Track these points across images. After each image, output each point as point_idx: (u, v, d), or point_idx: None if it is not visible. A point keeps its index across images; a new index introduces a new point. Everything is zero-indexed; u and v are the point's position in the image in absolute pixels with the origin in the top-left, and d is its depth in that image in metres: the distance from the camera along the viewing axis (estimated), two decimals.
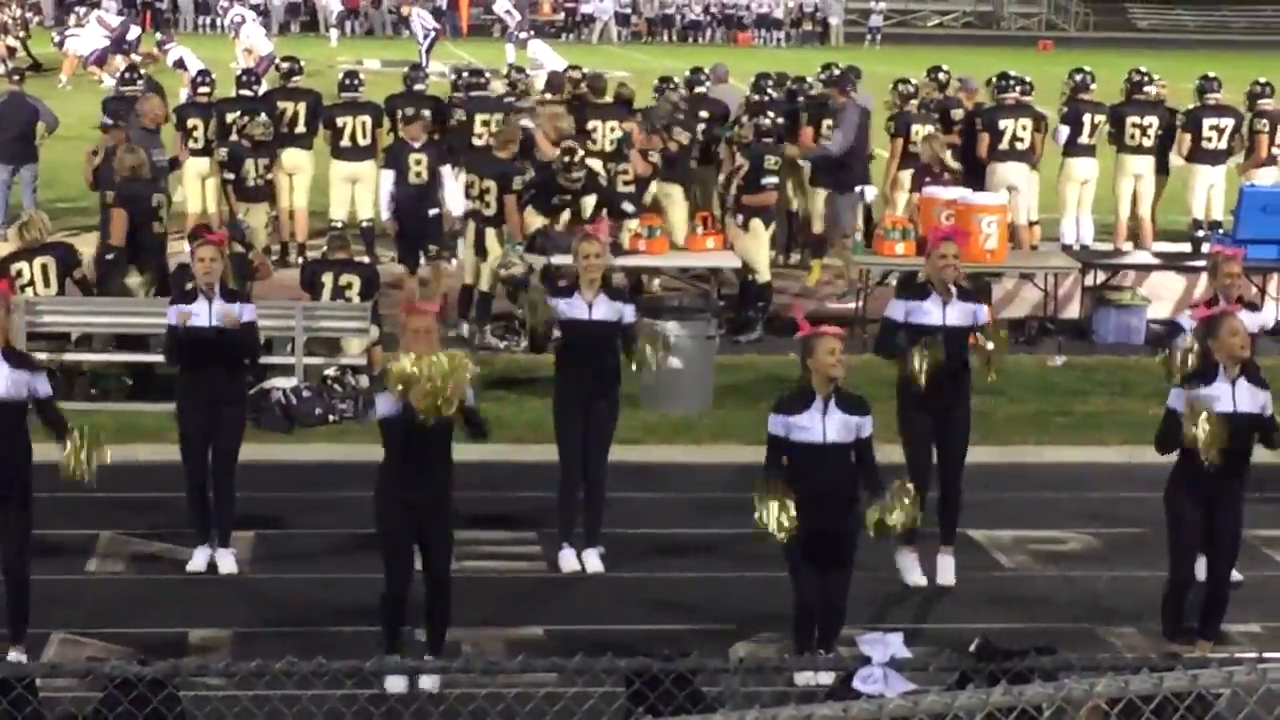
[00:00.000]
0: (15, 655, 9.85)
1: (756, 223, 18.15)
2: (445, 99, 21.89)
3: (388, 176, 18.24)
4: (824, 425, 9.70)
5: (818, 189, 19.81)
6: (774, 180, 18.39)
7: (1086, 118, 20.76)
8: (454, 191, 18.38)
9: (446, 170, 18.47)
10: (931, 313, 11.29)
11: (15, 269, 14.90)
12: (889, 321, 11.51)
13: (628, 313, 11.81)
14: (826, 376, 9.68)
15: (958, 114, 21.00)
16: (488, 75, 22.19)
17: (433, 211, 17.93)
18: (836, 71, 21.18)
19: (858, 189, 19.36)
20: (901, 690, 6.35)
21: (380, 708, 8.56)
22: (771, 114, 19.45)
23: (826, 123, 20.08)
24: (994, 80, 20.86)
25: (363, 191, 20.17)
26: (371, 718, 7.97)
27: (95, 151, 18.26)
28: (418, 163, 17.92)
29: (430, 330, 9.80)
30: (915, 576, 11.54)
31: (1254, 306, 12.42)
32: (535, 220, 17.70)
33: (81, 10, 54.48)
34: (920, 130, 19.96)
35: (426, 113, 19.95)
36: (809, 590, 9.87)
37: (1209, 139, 20.68)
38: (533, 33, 49.42)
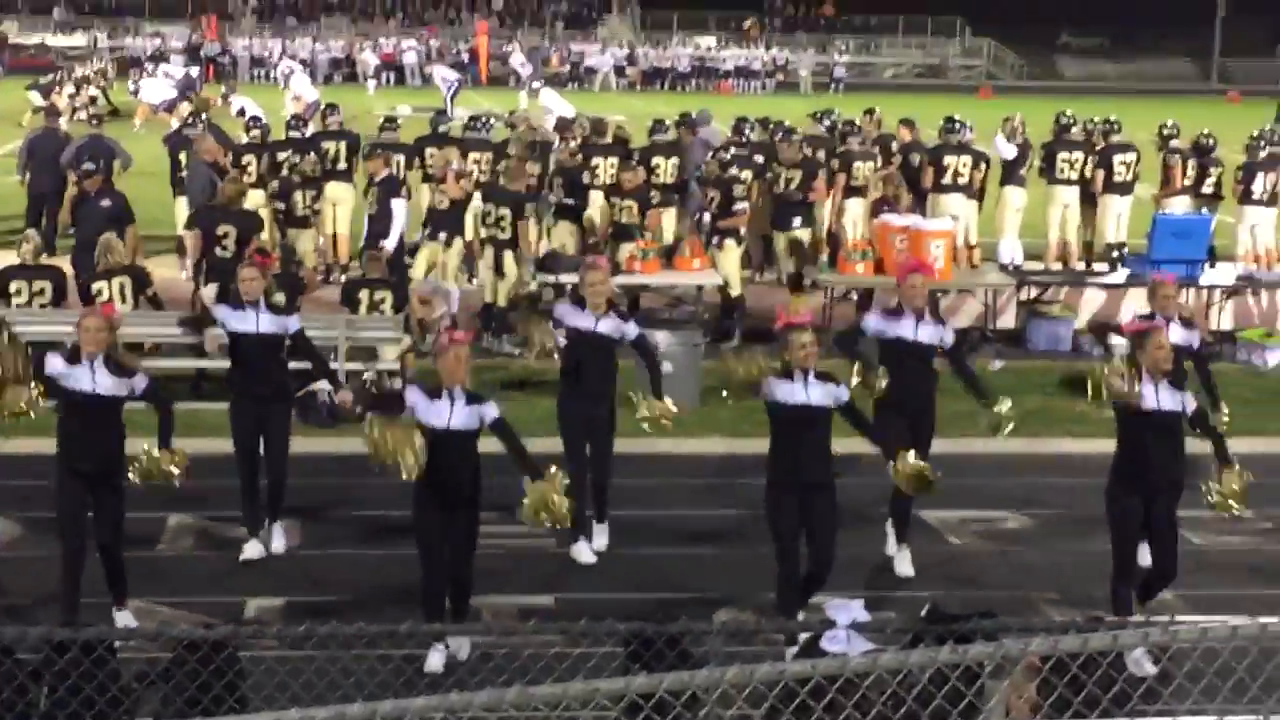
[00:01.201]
0: (122, 619, 9.92)
1: (729, 242, 18.32)
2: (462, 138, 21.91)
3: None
4: (807, 393, 9.86)
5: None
6: (744, 205, 18.48)
7: (1026, 150, 20.85)
8: (395, 227, 18.06)
9: (398, 204, 18.27)
10: (905, 329, 11.30)
11: (96, 288, 14.92)
12: (860, 325, 11.54)
13: (629, 330, 11.69)
14: (800, 366, 9.82)
15: (894, 146, 21.06)
16: (484, 119, 22.18)
17: (386, 243, 17.68)
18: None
19: (697, 215, 19.45)
20: (862, 649, 6.36)
21: (413, 665, 8.57)
22: (733, 150, 19.57)
23: (674, 160, 20.13)
24: (943, 122, 20.86)
25: (395, 223, 20.15)
26: (404, 674, 7.96)
27: (74, 196, 18.23)
28: (372, 193, 18.13)
29: (466, 357, 9.80)
30: (905, 568, 11.49)
31: (1189, 323, 12.33)
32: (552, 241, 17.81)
33: (151, 65, 54.68)
34: (863, 167, 20.06)
35: (394, 152, 20.05)
36: (793, 561, 9.93)
37: (1119, 173, 20.73)
38: (544, 82, 49.40)
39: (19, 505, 11.97)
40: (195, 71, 50.33)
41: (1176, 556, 10.07)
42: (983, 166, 20.31)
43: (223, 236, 16.34)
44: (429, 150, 20.46)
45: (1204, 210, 20.47)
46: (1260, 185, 20.57)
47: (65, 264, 16.59)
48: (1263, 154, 20.87)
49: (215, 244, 16.36)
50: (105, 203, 17.59)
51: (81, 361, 9.82)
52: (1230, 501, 10.04)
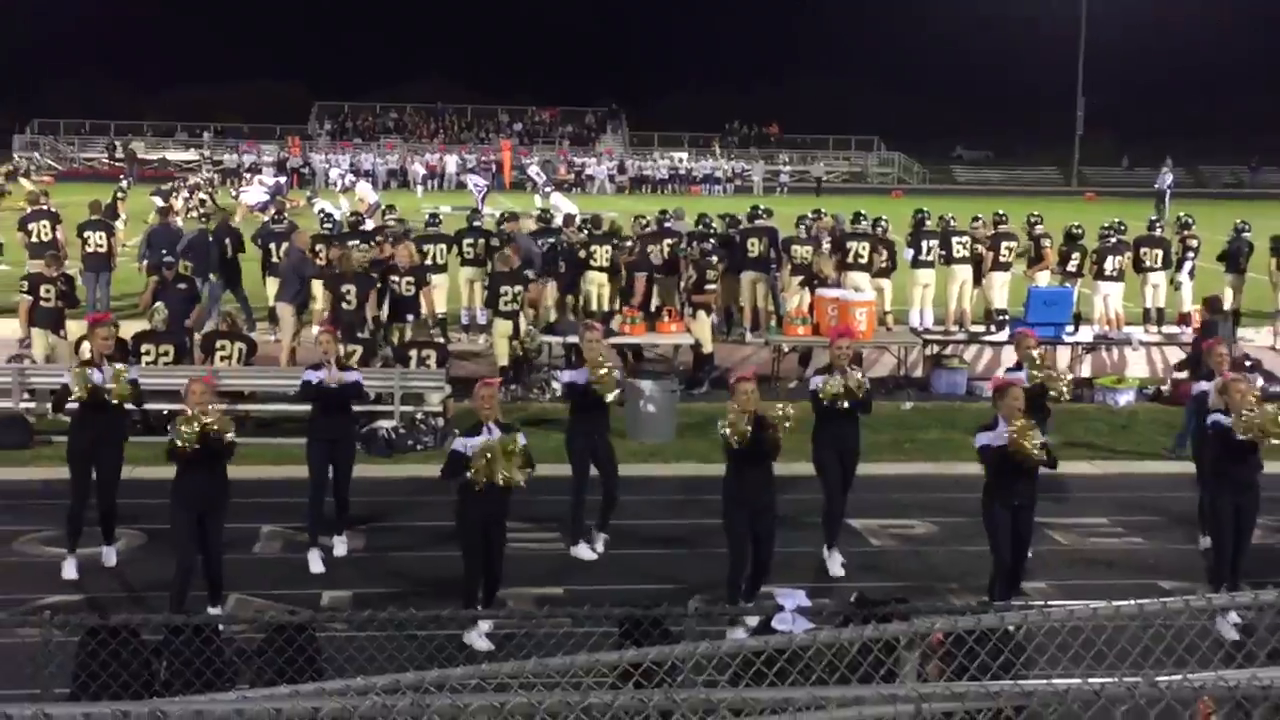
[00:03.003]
0: (213, 610, 9.85)
1: (701, 313, 18.29)
2: (494, 230, 21.94)
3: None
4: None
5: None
6: (713, 287, 18.50)
7: (924, 243, 20.91)
8: None
9: None
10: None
11: (220, 344, 15.30)
12: (814, 394, 11.46)
13: (616, 375, 11.92)
14: (744, 410, 9.79)
15: (836, 235, 21.13)
16: (517, 215, 22.26)
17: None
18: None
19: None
20: (805, 629, 6.34)
21: (453, 643, 8.53)
22: (712, 241, 19.56)
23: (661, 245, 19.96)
24: (851, 215, 21.05)
25: (439, 294, 20.11)
26: (446, 650, 7.93)
27: (155, 282, 18.13)
28: (347, 291, 16.92)
29: (494, 396, 9.84)
30: (836, 569, 11.43)
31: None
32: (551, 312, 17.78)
33: (249, 175, 54.77)
34: (799, 250, 20.17)
35: (354, 244, 19.44)
36: (740, 560, 9.94)
37: (1004, 255, 20.84)
38: (553, 187, 49.48)
39: (145, 519, 11.94)
40: (283, 179, 50.46)
41: (1025, 560, 10.07)
42: (882, 250, 20.37)
43: (346, 293, 16.71)
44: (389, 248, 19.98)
45: (1067, 284, 20.58)
46: (1111, 265, 20.68)
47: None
48: (1112, 241, 21.06)
49: (340, 300, 16.69)
50: (181, 285, 17.69)
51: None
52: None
